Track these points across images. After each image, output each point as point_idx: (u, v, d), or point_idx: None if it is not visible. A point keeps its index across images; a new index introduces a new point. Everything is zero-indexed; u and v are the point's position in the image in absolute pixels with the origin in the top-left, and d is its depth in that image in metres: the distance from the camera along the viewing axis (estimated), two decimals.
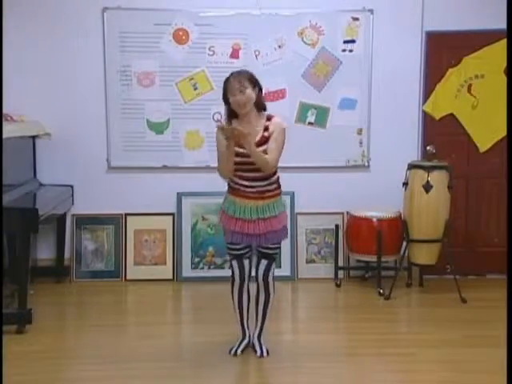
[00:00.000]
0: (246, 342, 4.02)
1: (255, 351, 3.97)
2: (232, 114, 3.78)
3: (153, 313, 4.85)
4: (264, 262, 3.90)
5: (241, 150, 3.68)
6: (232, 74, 3.75)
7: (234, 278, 3.95)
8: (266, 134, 3.73)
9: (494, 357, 3.84)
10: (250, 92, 3.68)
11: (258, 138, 3.71)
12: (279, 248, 3.99)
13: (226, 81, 3.73)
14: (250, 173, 3.74)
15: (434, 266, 5.26)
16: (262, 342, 3.99)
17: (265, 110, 3.82)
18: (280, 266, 5.58)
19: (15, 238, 4.52)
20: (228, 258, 4.04)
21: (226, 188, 3.90)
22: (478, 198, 5.69)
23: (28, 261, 4.39)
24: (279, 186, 3.89)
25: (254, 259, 3.96)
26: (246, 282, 3.95)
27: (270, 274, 3.92)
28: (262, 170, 3.73)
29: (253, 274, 3.97)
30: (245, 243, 3.85)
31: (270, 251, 3.89)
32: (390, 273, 5.28)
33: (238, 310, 4.00)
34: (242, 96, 3.66)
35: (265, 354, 3.95)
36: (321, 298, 5.25)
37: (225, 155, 3.71)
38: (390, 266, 5.40)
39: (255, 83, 3.73)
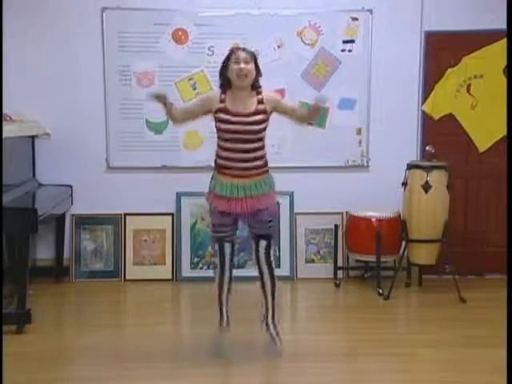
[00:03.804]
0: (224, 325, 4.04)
1: (273, 342, 3.97)
2: (226, 85, 3.84)
3: (152, 313, 4.85)
4: (263, 243, 3.88)
5: (234, 119, 3.74)
6: (236, 47, 3.86)
7: (215, 263, 3.98)
8: (260, 106, 3.80)
9: (493, 357, 3.83)
10: (253, 67, 3.77)
11: (253, 109, 3.78)
12: (272, 226, 3.95)
13: (231, 51, 3.81)
14: (241, 144, 3.76)
15: (433, 265, 5.27)
16: (278, 329, 3.99)
17: (258, 89, 3.86)
18: (279, 266, 5.59)
19: (14, 238, 4.51)
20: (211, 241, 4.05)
21: (214, 167, 3.92)
22: (477, 198, 5.70)
23: (27, 261, 4.39)
24: (266, 164, 3.89)
25: (253, 245, 3.95)
26: (228, 268, 3.95)
27: (271, 255, 3.91)
28: (301, 120, 3.97)
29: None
30: (232, 224, 3.88)
31: (265, 231, 3.88)
32: (389, 273, 5.28)
33: (217, 298, 4.04)
34: (247, 66, 3.74)
35: (279, 344, 3.97)
36: (320, 298, 5.25)
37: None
38: (389, 266, 5.40)
39: (256, 63, 3.81)
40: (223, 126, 3.78)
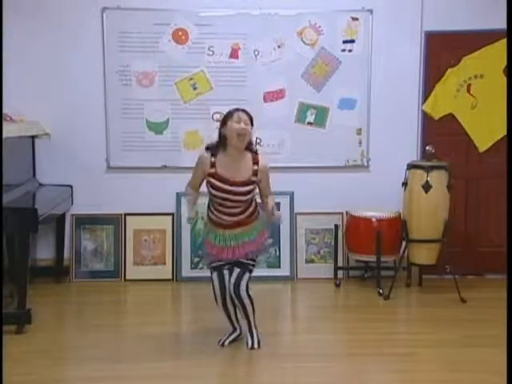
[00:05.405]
0: (235, 334, 4.08)
1: (246, 344, 4.01)
2: (221, 145, 3.88)
3: (152, 313, 4.85)
4: (236, 270, 3.92)
5: (225, 187, 3.81)
6: (237, 108, 3.87)
7: (214, 290, 3.98)
8: (254, 178, 3.86)
9: (493, 357, 3.84)
10: (251, 130, 3.84)
11: (246, 178, 3.84)
12: (255, 261, 4.03)
13: (232, 111, 3.84)
14: (231, 209, 3.86)
15: (433, 265, 5.26)
16: (253, 333, 4.02)
17: (251, 149, 3.92)
18: (279, 266, 5.59)
19: (14, 238, 4.51)
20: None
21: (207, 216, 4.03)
22: (477, 198, 5.70)
23: (27, 261, 4.39)
24: (257, 213, 3.98)
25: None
26: (228, 292, 3.94)
27: (242, 285, 3.89)
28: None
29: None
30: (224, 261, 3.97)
31: (244, 260, 3.95)
32: (390, 273, 5.28)
33: (225, 314, 4.06)
34: (248, 127, 3.79)
35: (255, 345, 3.98)
36: (320, 298, 5.25)
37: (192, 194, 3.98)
38: (389, 266, 5.40)
39: (251, 124, 3.86)
40: (213, 192, 3.85)
